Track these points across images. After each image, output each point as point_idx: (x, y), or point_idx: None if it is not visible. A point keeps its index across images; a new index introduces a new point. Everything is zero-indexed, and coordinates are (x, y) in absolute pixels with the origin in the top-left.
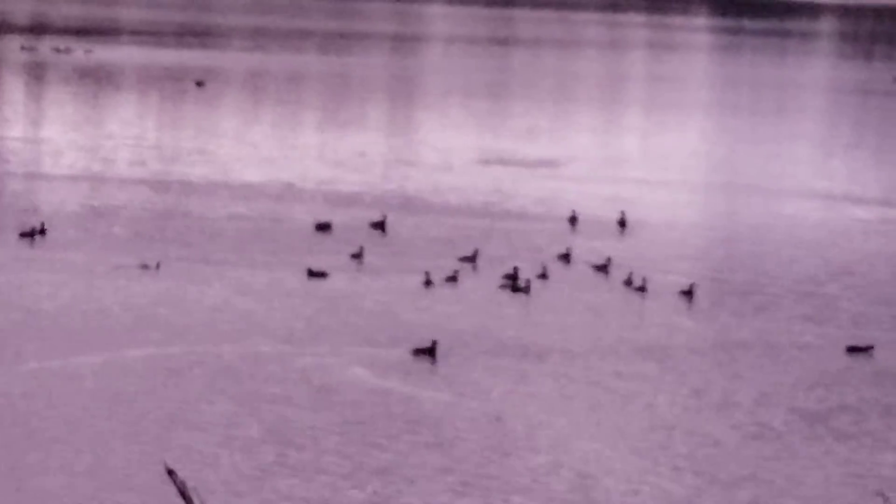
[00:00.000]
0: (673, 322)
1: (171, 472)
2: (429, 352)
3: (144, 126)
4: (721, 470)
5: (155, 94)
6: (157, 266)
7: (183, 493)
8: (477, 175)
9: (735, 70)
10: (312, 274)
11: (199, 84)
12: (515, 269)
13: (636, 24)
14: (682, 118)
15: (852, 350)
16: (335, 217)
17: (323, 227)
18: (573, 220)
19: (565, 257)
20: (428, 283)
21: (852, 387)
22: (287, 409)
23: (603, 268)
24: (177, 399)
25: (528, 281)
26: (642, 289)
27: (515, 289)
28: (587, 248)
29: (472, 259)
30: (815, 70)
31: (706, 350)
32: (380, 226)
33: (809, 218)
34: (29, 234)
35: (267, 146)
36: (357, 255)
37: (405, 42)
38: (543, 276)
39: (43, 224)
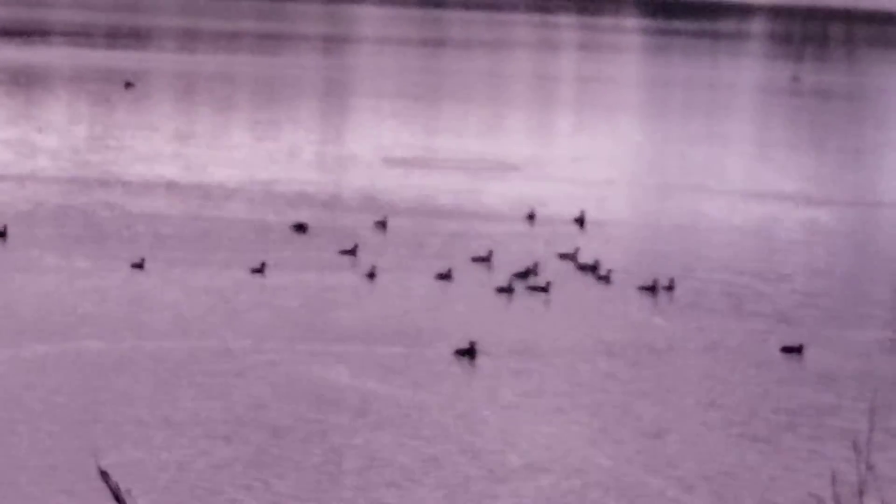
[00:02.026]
0: (599, 321)
1: (104, 474)
2: (468, 353)
3: (73, 127)
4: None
5: (83, 95)
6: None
7: (117, 496)
8: (404, 175)
9: (666, 71)
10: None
11: (129, 85)
12: (529, 266)
13: (567, 26)
14: (613, 119)
15: (786, 350)
16: (257, 216)
17: (299, 228)
18: (531, 217)
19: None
20: (371, 275)
21: (786, 387)
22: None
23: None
24: (120, 396)
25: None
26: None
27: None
28: (561, 248)
29: (486, 258)
30: (745, 70)
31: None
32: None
33: (738, 216)
34: None
35: (198, 146)
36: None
37: (336, 43)
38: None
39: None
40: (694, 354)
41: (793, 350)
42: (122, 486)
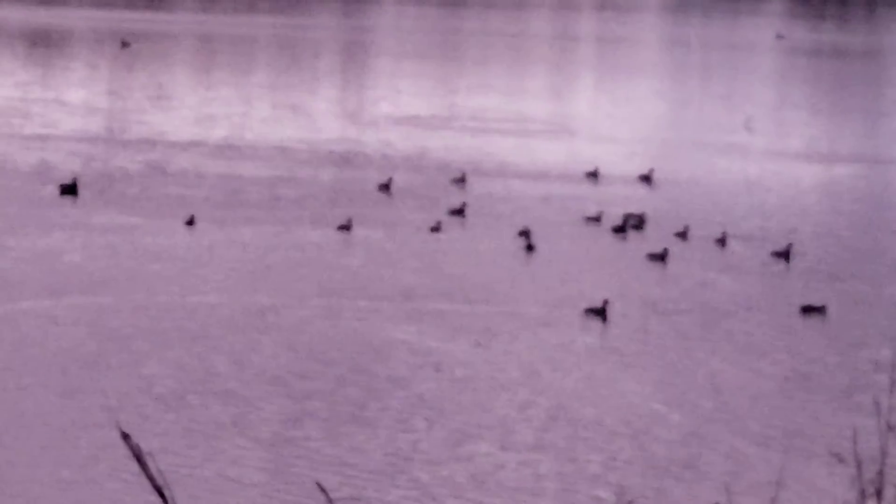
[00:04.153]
0: (636, 279)
1: (125, 436)
2: (600, 312)
3: (92, 89)
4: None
5: (105, 55)
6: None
7: (139, 458)
8: (420, 132)
9: (684, 31)
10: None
11: (125, 44)
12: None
13: None
14: (633, 79)
15: (807, 309)
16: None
17: (384, 187)
18: (593, 175)
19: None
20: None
21: (806, 346)
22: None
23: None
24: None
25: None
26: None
27: (529, 247)
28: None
29: (460, 212)
30: (765, 30)
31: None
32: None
33: (762, 175)
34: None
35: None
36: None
37: (355, 4)
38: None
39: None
40: (705, 312)
41: (814, 309)
42: (145, 448)
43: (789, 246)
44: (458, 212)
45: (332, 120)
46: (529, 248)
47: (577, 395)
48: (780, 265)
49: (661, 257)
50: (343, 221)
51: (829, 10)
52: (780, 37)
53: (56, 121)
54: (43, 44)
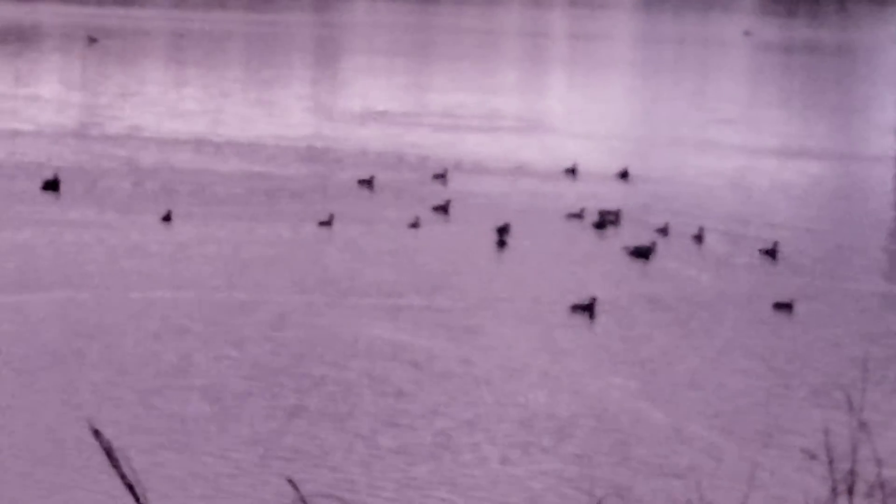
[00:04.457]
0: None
1: (96, 433)
2: (587, 309)
3: (62, 85)
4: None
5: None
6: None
7: (110, 455)
8: (395, 129)
9: (655, 28)
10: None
11: (92, 40)
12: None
13: None
14: (605, 75)
15: (778, 306)
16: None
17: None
18: (571, 172)
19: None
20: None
21: (777, 343)
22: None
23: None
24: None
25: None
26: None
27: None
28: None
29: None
30: (737, 27)
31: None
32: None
33: (738, 171)
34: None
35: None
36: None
37: (328, 0)
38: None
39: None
40: (681, 308)
41: (784, 306)
42: (116, 445)
43: (776, 244)
44: (442, 208)
45: (306, 116)
46: (501, 243)
47: (556, 392)
48: (758, 261)
49: (644, 253)
50: (324, 217)
51: (801, 7)
52: (747, 33)
53: (30, 117)
54: (9, 39)
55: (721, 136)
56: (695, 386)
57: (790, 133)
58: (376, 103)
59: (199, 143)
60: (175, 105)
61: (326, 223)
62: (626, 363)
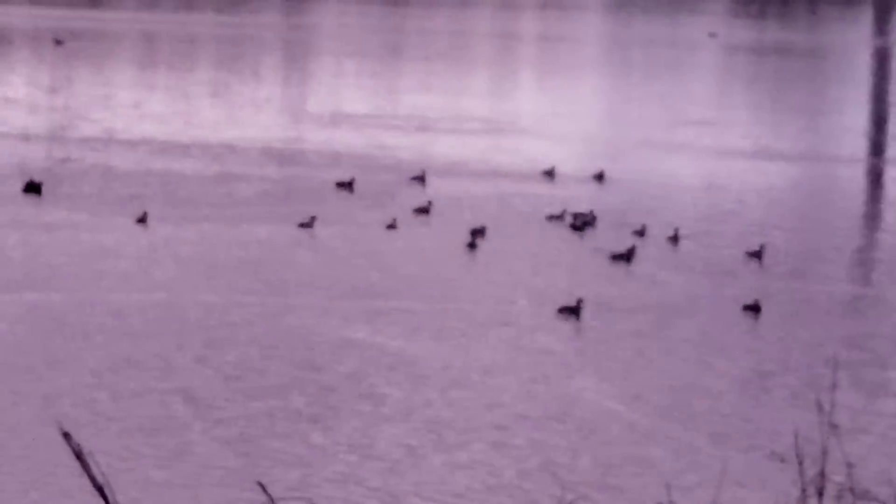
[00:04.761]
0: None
1: (66, 435)
2: (574, 311)
3: (29, 87)
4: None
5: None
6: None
7: (79, 457)
8: (367, 131)
9: (625, 30)
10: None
11: (58, 42)
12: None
13: None
14: (576, 77)
15: (746, 308)
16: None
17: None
18: (549, 174)
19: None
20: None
21: (746, 346)
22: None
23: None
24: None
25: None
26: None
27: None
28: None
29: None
30: (708, 29)
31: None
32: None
33: (712, 174)
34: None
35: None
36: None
37: (298, 2)
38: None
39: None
40: (657, 310)
41: (753, 308)
42: (87, 448)
43: (762, 246)
44: (423, 210)
45: (277, 118)
46: (471, 245)
47: (531, 394)
48: (730, 262)
49: (626, 257)
50: (305, 219)
51: (771, 9)
52: (712, 35)
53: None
54: None
55: (692, 139)
56: (667, 387)
57: (761, 135)
58: (347, 105)
59: (168, 146)
60: (144, 107)
61: (307, 225)
62: (602, 365)
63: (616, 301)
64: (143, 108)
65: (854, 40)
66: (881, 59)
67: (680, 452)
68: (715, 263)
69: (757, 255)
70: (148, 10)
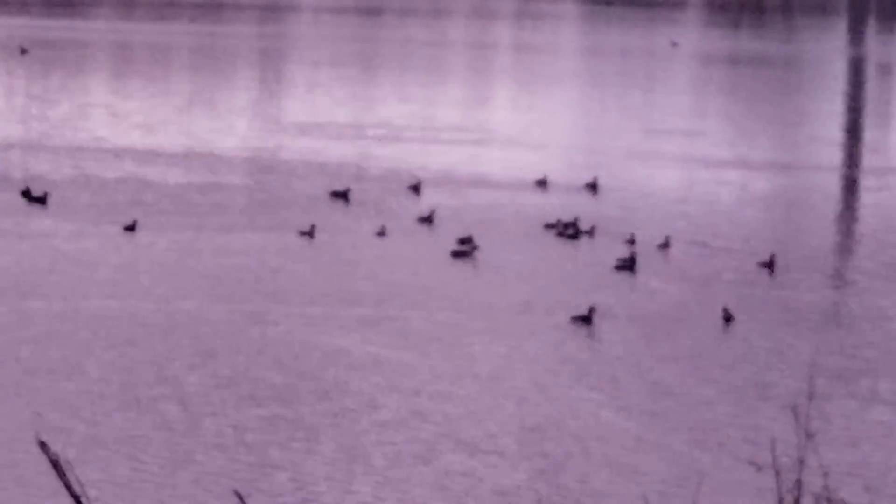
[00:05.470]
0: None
1: (43, 445)
2: (586, 319)
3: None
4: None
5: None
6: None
7: (56, 466)
8: (352, 141)
9: (601, 39)
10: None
11: (24, 51)
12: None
13: None
14: (552, 87)
15: (724, 317)
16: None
17: (340, 195)
18: (541, 184)
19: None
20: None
21: (723, 354)
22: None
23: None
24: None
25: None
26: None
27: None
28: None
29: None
30: (683, 39)
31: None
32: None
33: (703, 182)
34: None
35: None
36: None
37: (273, 12)
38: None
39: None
40: (627, 321)
41: (730, 317)
42: (64, 457)
43: (773, 256)
44: (427, 219)
45: (258, 127)
46: (458, 254)
47: (522, 402)
48: (714, 270)
49: (628, 265)
50: (305, 228)
51: (746, 18)
52: (674, 44)
53: None
54: None
55: (673, 148)
56: (650, 395)
57: (737, 144)
58: (327, 115)
59: (151, 155)
60: (120, 117)
61: (307, 233)
62: (592, 373)
63: (619, 309)
64: (119, 117)
65: (829, 50)
66: (856, 68)
67: (659, 459)
68: (702, 270)
69: (769, 265)
70: (122, 20)
